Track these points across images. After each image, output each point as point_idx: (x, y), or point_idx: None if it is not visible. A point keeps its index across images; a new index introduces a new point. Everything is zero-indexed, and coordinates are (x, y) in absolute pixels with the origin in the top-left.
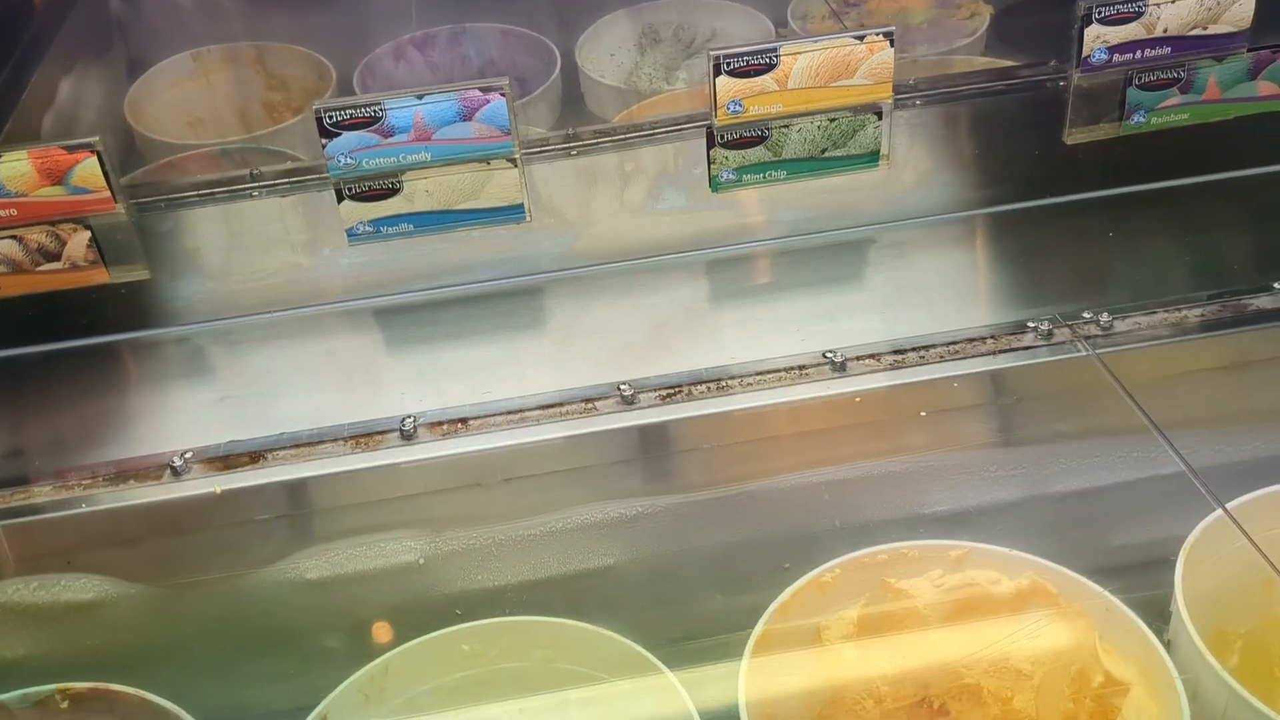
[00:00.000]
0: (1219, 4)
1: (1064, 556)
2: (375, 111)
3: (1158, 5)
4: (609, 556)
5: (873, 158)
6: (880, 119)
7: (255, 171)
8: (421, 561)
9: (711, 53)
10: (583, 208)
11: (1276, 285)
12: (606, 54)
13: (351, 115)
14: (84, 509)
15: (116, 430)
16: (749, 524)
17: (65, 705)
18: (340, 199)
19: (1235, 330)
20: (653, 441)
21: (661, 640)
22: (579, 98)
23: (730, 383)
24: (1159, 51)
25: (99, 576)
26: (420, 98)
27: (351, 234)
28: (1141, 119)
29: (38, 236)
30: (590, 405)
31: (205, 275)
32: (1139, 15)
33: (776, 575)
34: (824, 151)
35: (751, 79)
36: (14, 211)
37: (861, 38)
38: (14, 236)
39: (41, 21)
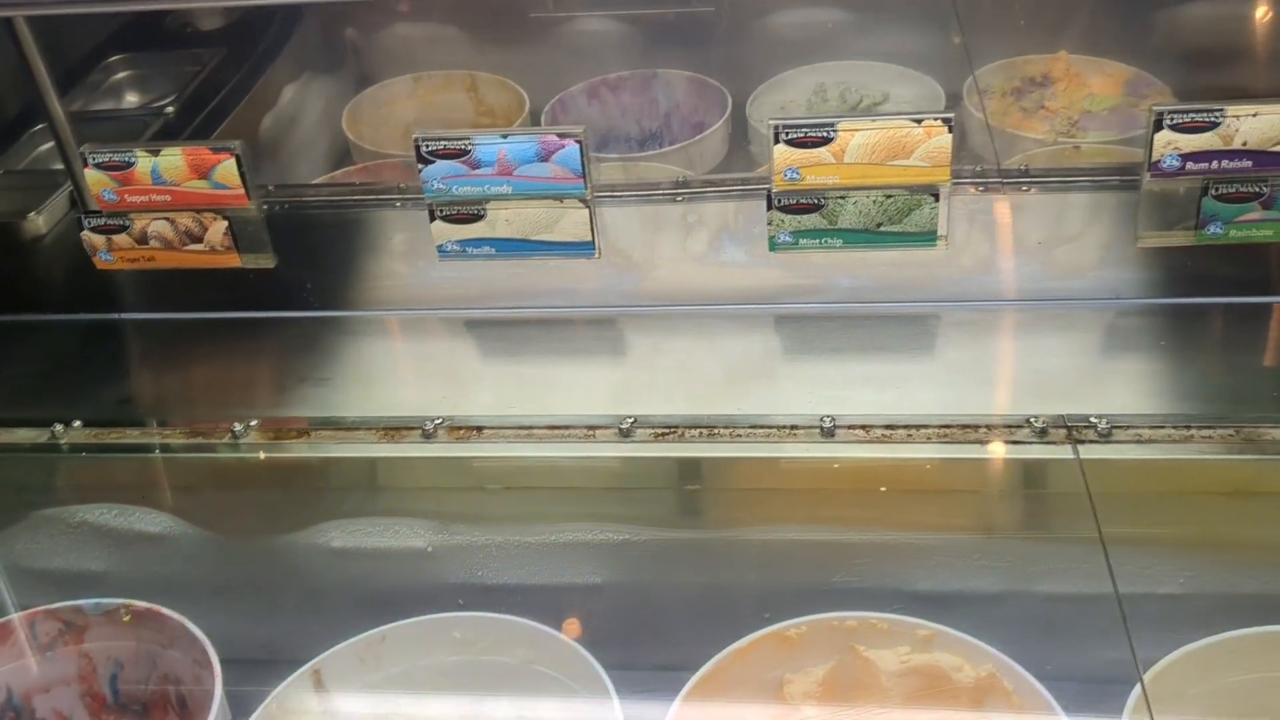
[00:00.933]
0: None
1: (1025, 654)
2: (465, 145)
3: (1237, 117)
4: (595, 575)
5: (929, 237)
6: (937, 200)
7: (403, 185)
8: (430, 549)
9: (770, 121)
10: (648, 251)
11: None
12: (778, 107)
13: (445, 146)
14: (159, 453)
15: (219, 392)
16: (730, 567)
17: (128, 619)
18: (432, 219)
19: (1233, 457)
20: (640, 474)
21: (623, 662)
22: (746, 145)
23: (722, 431)
24: (1238, 164)
25: (167, 514)
26: (504, 137)
27: (441, 251)
28: (1219, 230)
29: (185, 221)
30: (590, 432)
31: (322, 269)
32: (1214, 125)
33: (753, 622)
34: (879, 226)
35: (808, 149)
36: (168, 198)
37: (919, 120)
38: (167, 218)
39: (276, 36)
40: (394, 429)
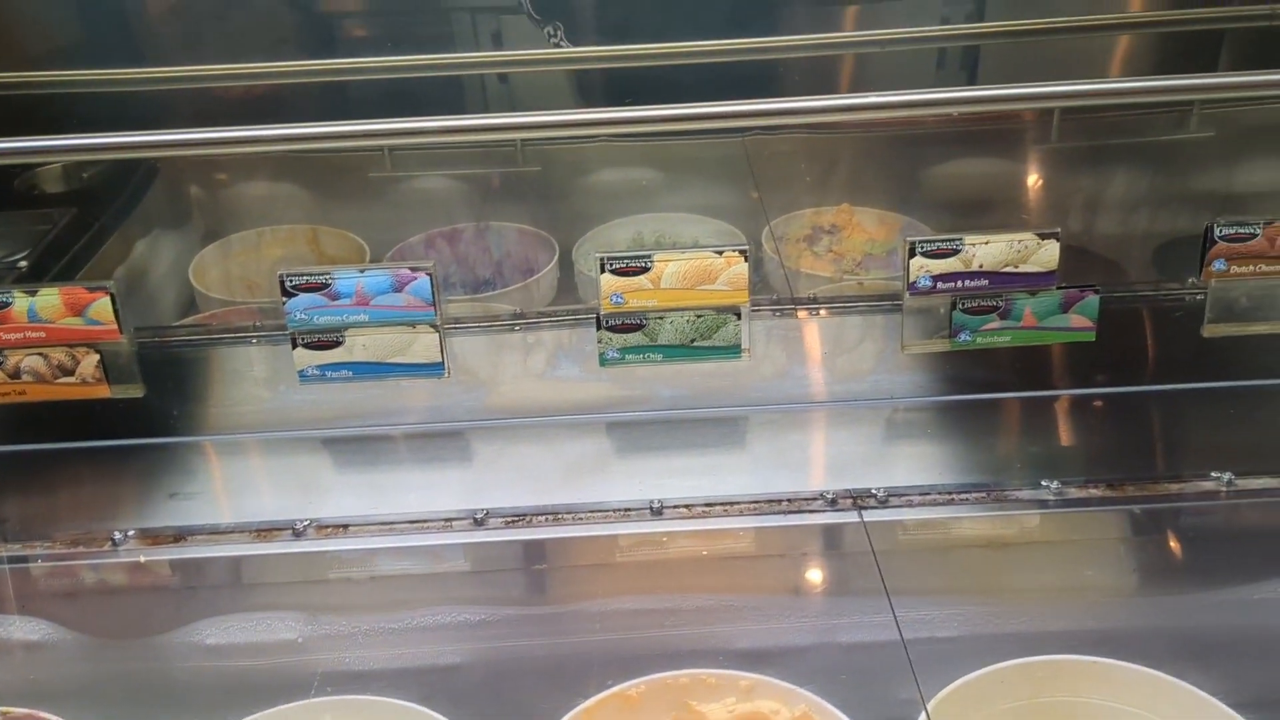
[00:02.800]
0: (1027, 248)
1: (832, 693)
2: (326, 279)
3: (973, 245)
4: (455, 654)
5: (735, 350)
6: (739, 318)
7: (257, 324)
8: (300, 640)
9: (597, 255)
10: (493, 371)
11: (1044, 483)
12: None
13: (307, 281)
14: (40, 564)
15: (84, 510)
16: (576, 636)
17: None
18: (294, 346)
19: (985, 515)
20: (493, 558)
21: None
22: (574, 287)
23: (565, 516)
24: (978, 283)
25: (47, 621)
26: (362, 271)
27: (302, 375)
28: (968, 338)
29: (59, 355)
30: (447, 524)
31: (188, 398)
32: (956, 252)
33: (598, 685)
34: (693, 341)
35: (630, 277)
36: (43, 334)
37: (721, 252)
38: (40, 353)
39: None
40: (266, 530)
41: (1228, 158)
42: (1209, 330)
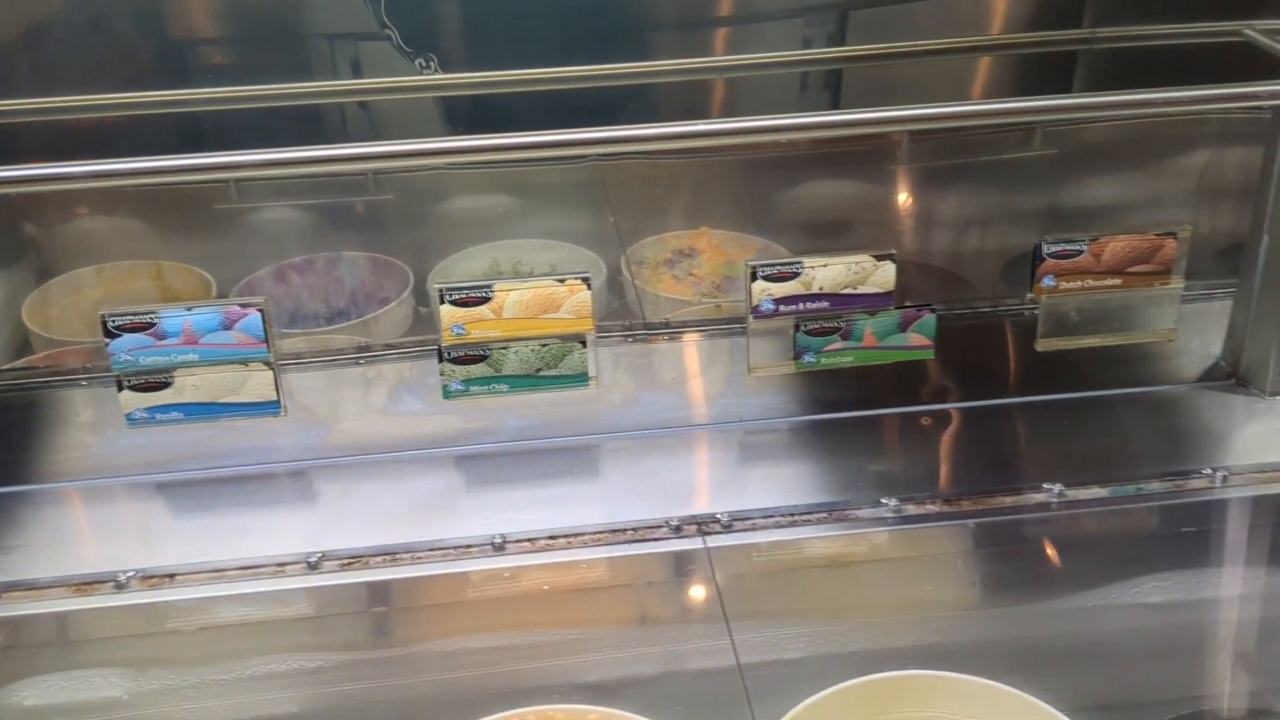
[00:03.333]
0: (864, 269)
1: None
2: (151, 319)
3: (813, 268)
4: (291, 703)
5: (582, 378)
6: (585, 346)
7: (88, 365)
8: (126, 697)
9: (435, 285)
10: (333, 408)
11: (883, 500)
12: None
13: (131, 320)
14: None
15: None
16: (419, 677)
17: None
18: (120, 389)
19: (827, 535)
20: (330, 601)
21: None
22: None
23: (403, 556)
24: (818, 305)
25: None
26: (189, 309)
27: (130, 419)
28: (812, 359)
29: None
30: (280, 569)
31: (10, 446)
32: (796, 275)
33: None
34: (539, 371)
35: (471, 308)
36: None
37: (563, 280)
38: None
39: None
40: (86, 584)
41: (1070, 175)
42: (1041, 345)
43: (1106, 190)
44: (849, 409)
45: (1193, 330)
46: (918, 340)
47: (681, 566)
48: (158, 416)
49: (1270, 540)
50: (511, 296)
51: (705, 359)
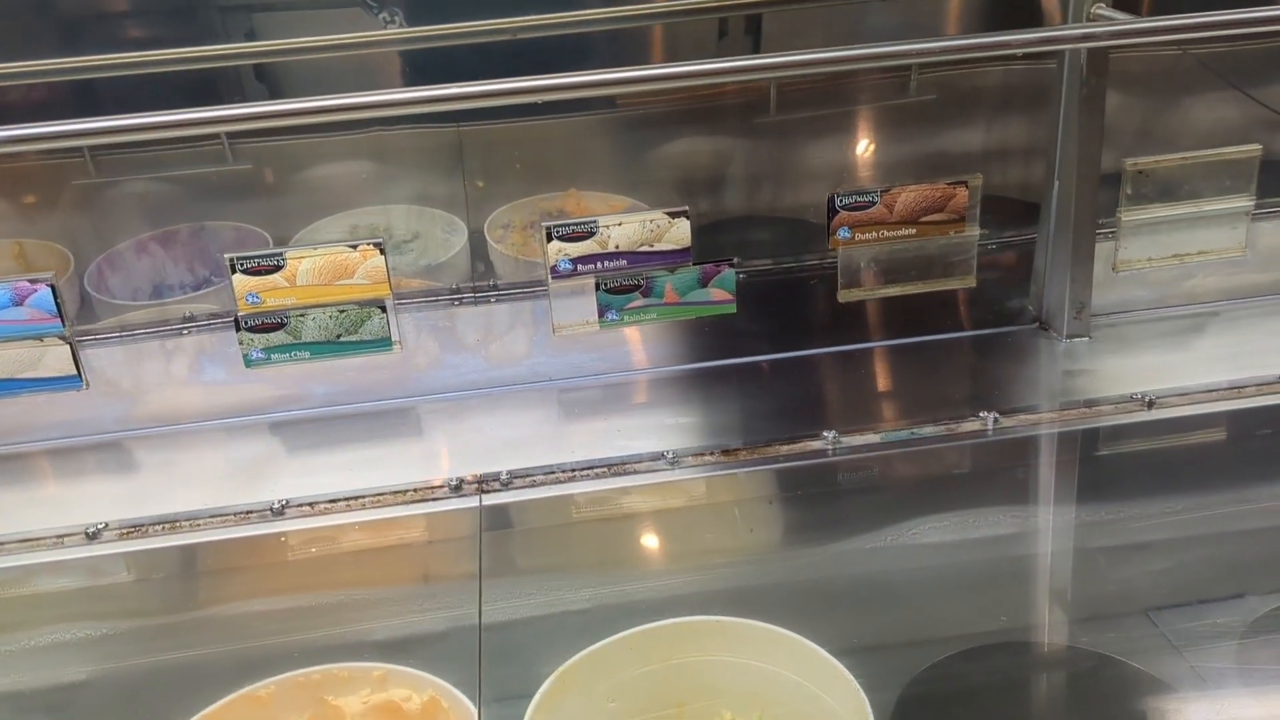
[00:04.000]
0: (660, 227)
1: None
2: None
3: (608, 227)
4: (78, 671)
5: (384, 343)
6: (385, 312)
7: None
8: None
9: (226, 256)
10: (136, 380)
11: (664, 452)
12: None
13: None
14: None
15: None
16: (202, 643)
17: None
18: None
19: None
20: (111, 571)
21: None
22: None
23: (183, 524)
24: (616, 264)
25: None
26: None
27: None
28: (615, 317)
29: None
30: (59, 540)
31: None
32: (592, 234)
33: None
34: (339, 337)
35: (263, 276)
36: None
37: (355, 246)
38: None
39: None
40: None
41: (950, 120)
42: (843, 296)
43: (989, 135)
44: (658, 365)
45: (1007, 277)
46: (719, 295)
47: (455, 526)
48: None
49: (1037, 479)
50: (304, 264)
51: (522, 320)
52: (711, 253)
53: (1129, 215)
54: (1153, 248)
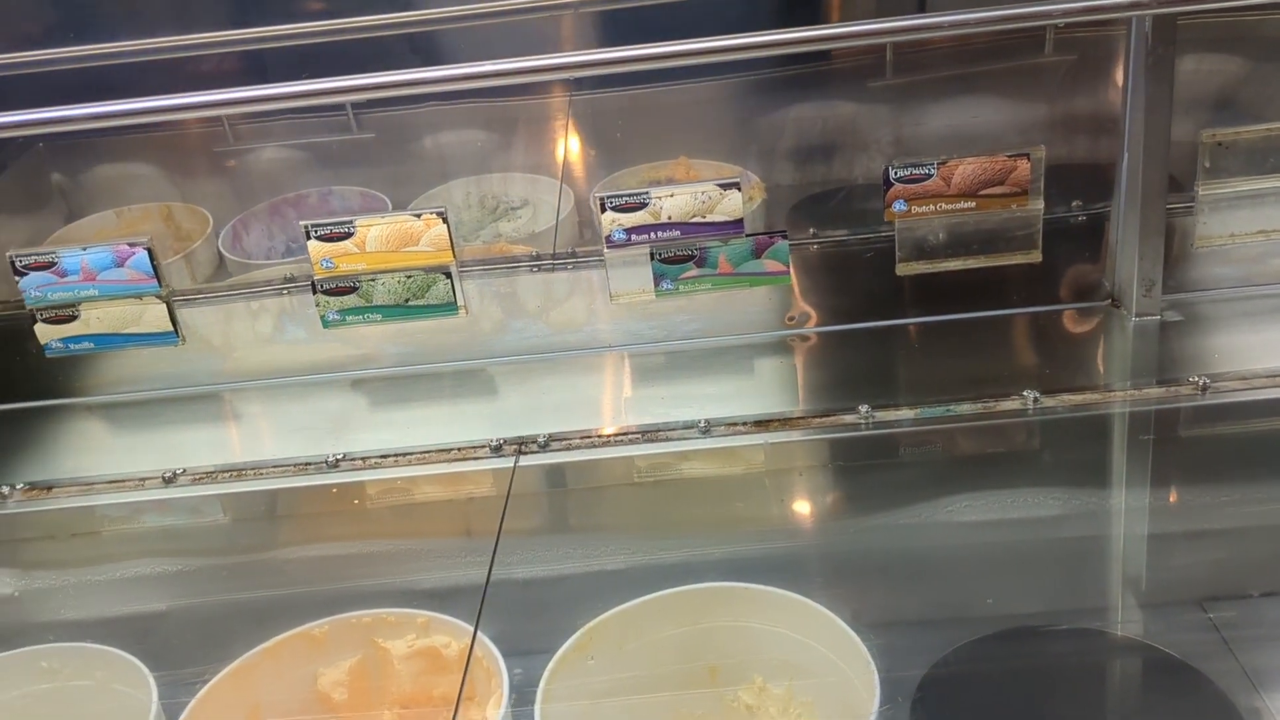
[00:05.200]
0: (711, 199)
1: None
2: (52, 258)
3: (660, 199)
4: (158, 601)
5: (451, 308)
6: (449, 277)
7: None
8: (14, 594)
9: (302, 222)
10: (226, 338)
11: (700, 421)
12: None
13: (35, 260)
14: None
15: None
16: (264, 585)
17: None
18: (34, 322)
19: (641, 451)
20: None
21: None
22: None
23: (248, 473)
24: (670, 234)
25: None
26: (84, 249)
27: (48, 349)
28: (670, 286)
29: None
30: (141, 483)
31: None
32: (645, 205)
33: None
34: (407, 301)
35: (336, 243)
36: None
37: (419, 215)
38: None
39: None
40: None
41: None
42: (901, 269)
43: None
44: (708, 335)
45: (1081, 251)
46: (773, 266)
47: (495, 484)
48: (70, 346)
49: (1078, 462)
50: (373, 231)
51: (575, 290)
52: (811, 219)
53: (1207, 189)
54: (1235, 223)
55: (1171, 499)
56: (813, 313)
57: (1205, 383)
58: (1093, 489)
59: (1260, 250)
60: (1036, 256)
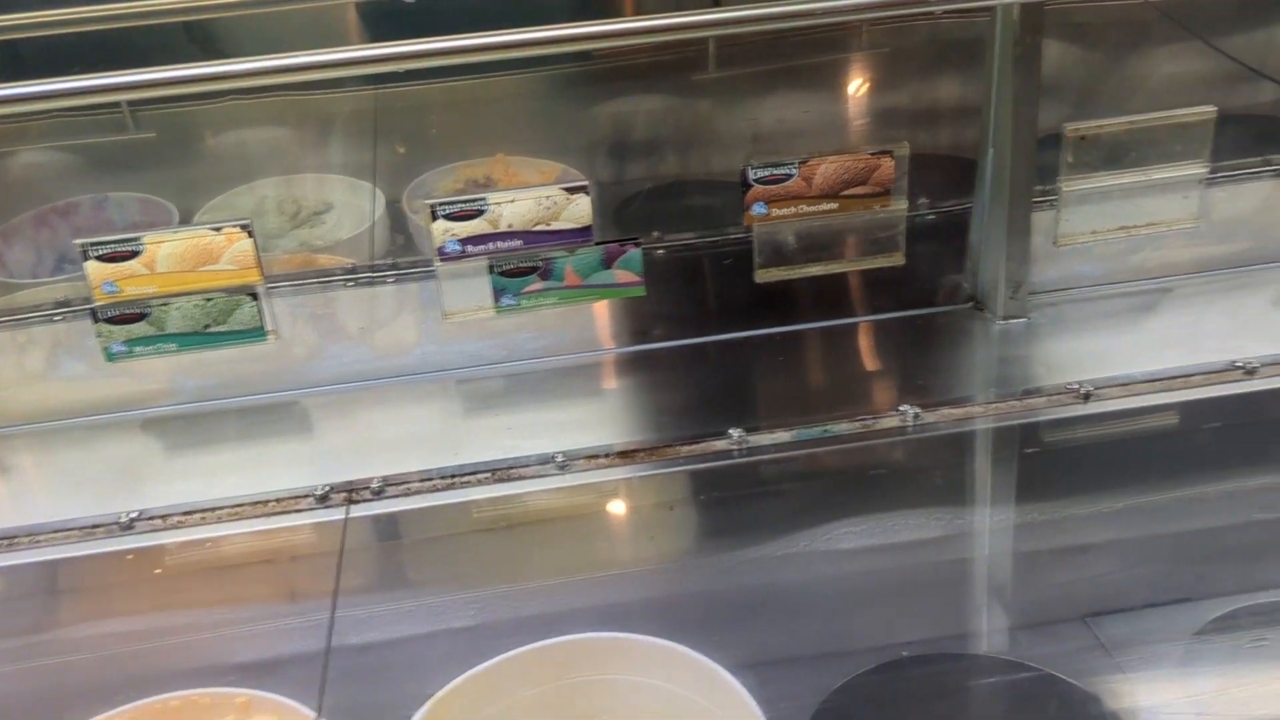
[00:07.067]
0: (556, 204)
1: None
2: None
3: (498, 204)
4: None
5: (258, 333)
6: (255, 298)
7: None
8: None
9: (77, 242)
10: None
11: (554, 455)
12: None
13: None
14: None
15: None
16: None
17: None
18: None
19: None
20: None
21: None
22: None
23: (20, 540)
24: (510, 244)
25: None
26: None
27: None
28: (513, 301)
29: None
30: None
31: None
32: (481, 213)
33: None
34: (207, 327)
35: (120, 264)
36: None
37: (219, 229)
38: None
39: None
40: None
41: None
42: (760, 276)
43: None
44: (556, 354)
45: (942, 251)
46: (625, 277)
47: (320, 539)
48: None
49: (958, 479)
50: (164, 249)
51: (402, 306)
52: (645, 221)
53: (1070, 184)
54: (1097, 219)
55: (1062, 514)
56: (667, 325)
57: (1088, 390)
58: (980, 507)
59: (1121, 247)
60: (900, 259)
